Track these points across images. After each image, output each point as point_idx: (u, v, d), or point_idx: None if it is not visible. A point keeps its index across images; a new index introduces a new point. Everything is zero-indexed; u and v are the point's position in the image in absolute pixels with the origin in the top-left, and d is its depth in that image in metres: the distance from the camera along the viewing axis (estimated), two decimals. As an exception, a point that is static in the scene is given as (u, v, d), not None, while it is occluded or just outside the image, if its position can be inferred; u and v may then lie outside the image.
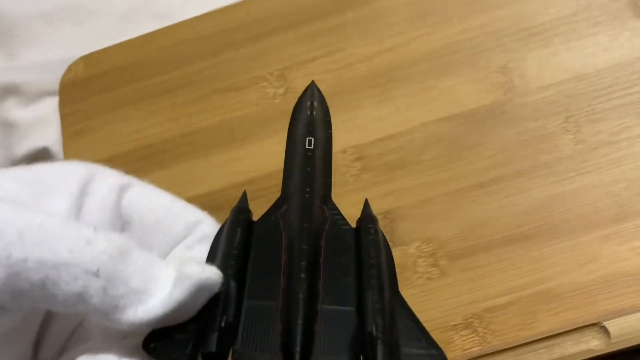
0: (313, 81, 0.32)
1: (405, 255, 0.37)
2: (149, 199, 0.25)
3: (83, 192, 0.24)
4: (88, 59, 0.47)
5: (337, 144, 0.41)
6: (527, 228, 0.37)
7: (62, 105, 0.46)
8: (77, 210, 0.24)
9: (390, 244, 0.38)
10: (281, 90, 0.43)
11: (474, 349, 0.34)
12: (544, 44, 0.41)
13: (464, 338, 0.35)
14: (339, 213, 0.25)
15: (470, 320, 0.35)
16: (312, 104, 0.31)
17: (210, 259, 0.23)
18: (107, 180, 0.25)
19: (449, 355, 0.35)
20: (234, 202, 0.41)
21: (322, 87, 0.43)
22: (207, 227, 0.25)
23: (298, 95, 0.44)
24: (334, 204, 0.26)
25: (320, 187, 0.26)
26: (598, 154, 0.38)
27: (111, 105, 0.45)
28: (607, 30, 0.40)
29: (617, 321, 0.32)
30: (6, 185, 0.23)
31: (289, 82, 0.43)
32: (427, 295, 0.36)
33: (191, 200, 0.41)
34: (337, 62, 0.43)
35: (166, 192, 0.27)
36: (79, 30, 0.50)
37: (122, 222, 0.25)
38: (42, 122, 0.46)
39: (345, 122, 0.41)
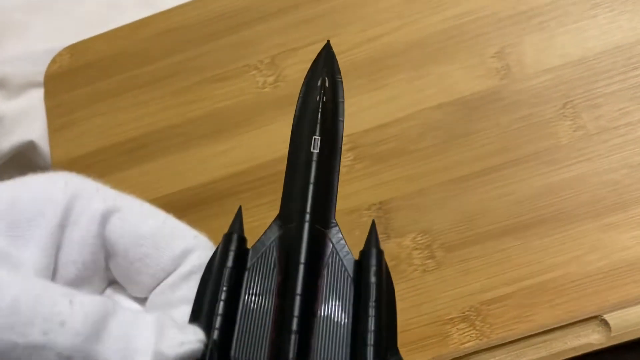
0: (329, 41, 0.30)
1: (400, 248, 0.36)
2: (133, 228, 0.24)
3: (62, 225, 0.23)
4: (73, 49, 0.46)
5: (330, 133, 0.40)
6: (525, 218, 0.36)
7: (47, 97, 0.45)
8: (56, 248, 0.23)
9: (384, 236, 0.37)
10: (271, 79, 0.42)
11: (471, 343, 0.33)
12: (540, 27, 0.40)
13: (461, 332, 0.34)
14: (341, 235, 0.24)
15: (467, 313, 0.34)
16: (323, 82, 0.28)
17: (197, 306, 0.22)
18: (89, 207, 0.23)
19: (446, 349, 0.34)
20: (225, 194, 0.41)
21: (314, 75, 0.42)
22: (197, 258, 0.23)
23: (289, 83, 0.43)
24: (335, 223, 0.24)
25: (322, 206, 0.24)
26: (597, 140, 0.37)
27: (98, 97, 0.44)
28: (605, 12, 0.39)
29: (618, 314, 0.32)
30: None
31: (280, 70, 0.42)
32: (423, 288, 0.35)
33: (181, 193, 0.41)
34: (328, 49, 0.42)
35: (156, 211, 0.25)
36: (64, 21, 0.48)
37: (105, 254, 0.24)
38: (28, 115, 0.44)
39: (338, 111, 0.40)
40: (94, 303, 0.20)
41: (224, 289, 0.22)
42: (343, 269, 0.23)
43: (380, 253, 0.23)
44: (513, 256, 0.35)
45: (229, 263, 0.22)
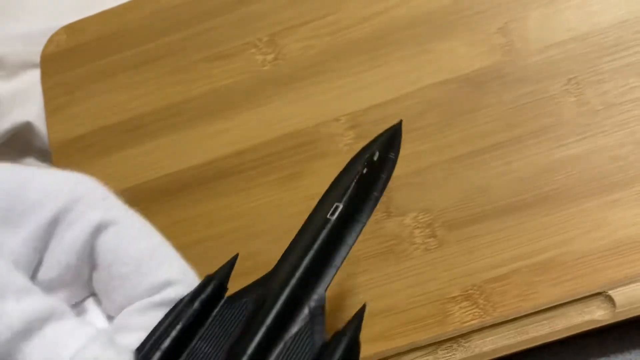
0: (401, 122, 0.29)
1: (402, 226, 0.36)
2: (123, 246, 0.24)
3: (56, 223, 0.23)
4: (70, 29, 0.45)
5: (330, 112, 0.40)
6: (529, 195, 0.35)
7: (44, 78, 0.44)
8: (44, 243, 0.23)
9: (385, 214, 0.37)
10: (271, 57, 0.41)
11: (474, 321, 0.33)
12: (545, 2, 0.39)
13: (464, 310, 0.34)
14: (322, 312, 0.22)
15: (470, 292, 0.34)
16: (372, 154, 0.27)
17: (148, 337, 0.21)
18: (87, 213, 0.23)
19: (448, 327, 0.34)
20: (227, 173, 0.40)
21: (314, 52, 0.41)
22: (174, 291, 0.23)
23: (288, 62, 0.43)
24: (324, 298, 0.22)
25: (314, 276, 0.23)
26: (602, 116, 0.36)
27: (95, 77, 0.43)
28: (612, -15, 0.38)
29: (623, 289, 0.31)
30: None
31: (279, 48, 0.42)
32: (425, 267, 0.35)
33: (182, 172, 0.40)
34: (329, 26, 0.41)
35: (153, 234, 0.25)
36: (60, 0, 0.47)
37: (90, 264, 0.24)
38: (24, 96, 0.44)
39: (338, 88, 0.40)
40: (39, 304, 0.20)
41: (178, 327, 0.21)
42: (306, 349, 0.21)
43: (353, 345, 0.21)
44: (516, 234, 0.35)
45: (195, 305, 0.22)
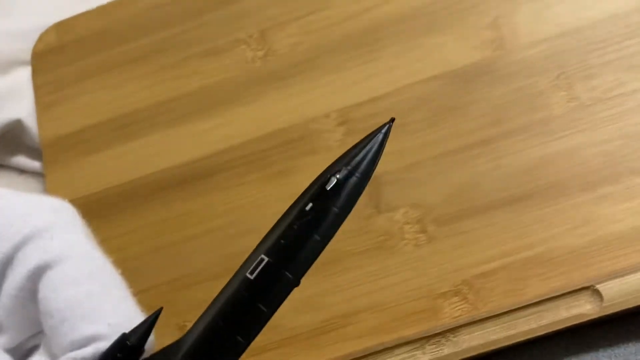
0: (392, 120, 0.23)
1: (392, 222, 0.36)
2: (53, 296, 0.23)
3: (6, 264, 0.23)
4: (60, 27, 0.45)
5: (320, 108, 0.40)
6: (518, 191, 0.35)
7: (35, 75, 0.44)
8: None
9: (375, 210, 0.37)
10: (261, 53, 0.41)
11: (463, 317, 0.33)
12: (535, -4, 0.39)
13: (453, 305, 0.34)
14: None
15: (459, 287, 0.34)
16: (325, 181, 0.21)
17: None
18: (30, 255, 0.23)
19: (437, 323, 0.34)
20: (217, 170, 0.40)
21: (304, 48, 0.41)
22: (93, 349, 0.22)
23: (279, 58, 0.42)
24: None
25: (211, 352, 0.20)
26: (591, 111, 0.36)
27: (86, 74, 0.43)
28: (601, -21, 0.38)
29: (611, 283, 0.31)
30: None
31: (269, 45, 0.42)
32: (415, 263, 0.35)
33: (172, 169, 0.40)
34: (319, 22, 0.41)
35: (93, 275, 0.24)
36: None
37: (35, 306, 0.24)
38: (15, 93, 0.44)
39: (328, 85, 0.40)
40: None
41: None
42: None
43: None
44: (505, 229, 0.35)
45: None
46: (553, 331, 0.31)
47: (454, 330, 0.32)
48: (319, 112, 0.39)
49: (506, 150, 0.36)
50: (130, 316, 0.23)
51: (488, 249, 0.34)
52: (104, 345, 0.22)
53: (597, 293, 0.31)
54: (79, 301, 0.23)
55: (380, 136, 0.23)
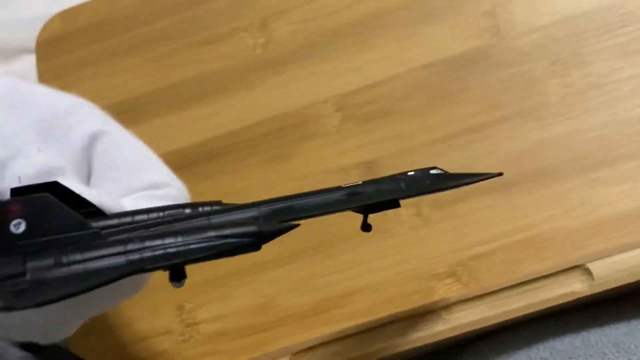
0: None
1: (388, 205, 0.36)
2: (117, 154, 0.25)
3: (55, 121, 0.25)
4: (64, 15, 0.46)
5: (318, 94, 0.40)
6: (513, 174, 0.36)
7: (39, 63, 0.45)
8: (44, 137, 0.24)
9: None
10: (261, 41, 0.42)
11: (456, 296, 0.33)
12: (531, -16, 0.39)
13: (448, 286, 0.34)
14: None
15: (454, 268, 0.35)
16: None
17: None
18: (86, 120, 0.25)
19: (431, 302, 0.34)
20: (216, 154, 0.40)
21: (302, 36, 0.42)
22: (165, 192, 0.24)
23: (279, 45, 0.43)
24: None
25: None
26: (586, 97, 0.37)
27: (89, 62, 0.44)
28: (597, -33, 0.39)
29: (601, 262, 0.32)
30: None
31: (270, 32, 0.42)
32: (411, 245, 0.36)
33: (172, 154, 0.41)
34: (317, 10, 0.42)
35: (142, 146, 0.26)
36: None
37: (88, 167, 0.25)
38: (20, 80, 0.44)
39: (326, 72, 0.40)
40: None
41: None
42: None
43: None
44: (500, 212, 0.35)
45: None
46: (545, 309, 0.32)
47: (447, 307, 0.33)
48: (317, 98, 0.40)
49: (502, 136, 0.37)
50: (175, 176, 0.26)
51: (483, 231, 0.35)
52: (172, 190, 0.24)
53: (588, 272, 0.32)
54: (142, 158, 0.25)
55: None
